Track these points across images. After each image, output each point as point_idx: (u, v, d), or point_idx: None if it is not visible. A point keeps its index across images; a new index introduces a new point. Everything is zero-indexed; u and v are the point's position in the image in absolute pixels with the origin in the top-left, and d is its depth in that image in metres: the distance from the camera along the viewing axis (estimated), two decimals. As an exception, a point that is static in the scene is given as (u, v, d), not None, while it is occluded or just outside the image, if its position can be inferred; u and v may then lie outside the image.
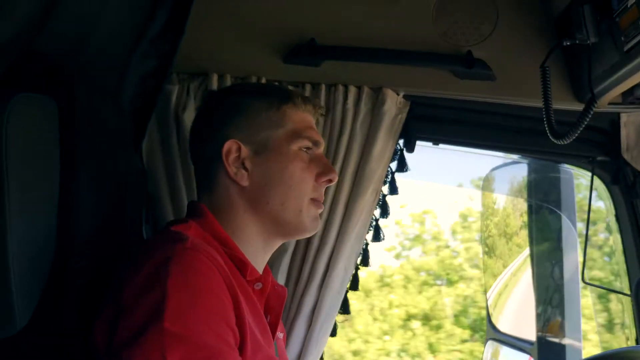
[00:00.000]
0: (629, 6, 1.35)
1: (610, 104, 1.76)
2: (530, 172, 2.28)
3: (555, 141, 1.60)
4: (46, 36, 1.40)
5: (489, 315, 2.40)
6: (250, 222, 1.40)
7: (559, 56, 1.77)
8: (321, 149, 1.47)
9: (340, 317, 1.89)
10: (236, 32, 1.88)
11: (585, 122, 1.52)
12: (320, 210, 1.46)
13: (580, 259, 2.09)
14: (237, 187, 1.39)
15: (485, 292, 2.56)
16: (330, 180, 1.46)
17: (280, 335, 1.51)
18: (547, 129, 1.62)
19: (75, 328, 1.24)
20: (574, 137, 1.55)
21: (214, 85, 1.85)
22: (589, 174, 1.90)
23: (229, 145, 1.39)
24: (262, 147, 1.40)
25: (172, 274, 1.13)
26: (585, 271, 1.88)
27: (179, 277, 1.14)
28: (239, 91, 1.51)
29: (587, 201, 1.92)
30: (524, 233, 2.34)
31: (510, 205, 2.55)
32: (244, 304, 1.24)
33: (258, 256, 1.42)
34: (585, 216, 1.97)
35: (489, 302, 2.44)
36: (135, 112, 1.78)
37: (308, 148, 1.43)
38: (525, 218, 2.32)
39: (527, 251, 2.34)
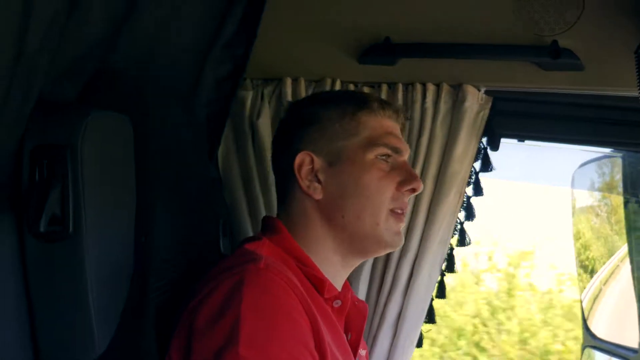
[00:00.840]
0: None
1: None
2: (625, 165, 2.13)
3: (654, 132, 1.48)
4: (120, 52, 1.39)
5: (584, 321, 2.26)
6: (327, 237, 1.33)
7: (653, 40, 1.65)
8: (405, 156, 1.39)
9: (425, 327, 1.82)
10: (308, 35, 1.84)
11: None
12: (402, 225, 1.36)
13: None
14: (311, 201, 1.34)
15: (580, 295, 2.41)
16: (413, 190, 1.36)
17: (362, 352, 1.45)
18: (644, 119, 1.51)
19: (154, 349, 1.22)
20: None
21: (288, 89, 1.81)
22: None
23: (302, 157, 1.34)
24: (336, 157, 1.34)
25: (246, 297, 1.10)
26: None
27: (253, 301, 1.10)
28: (312, 102, 1.46)
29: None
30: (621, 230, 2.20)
31: (604, 202, 2.41)
32: (322, 325, 1.18)
33: (337, 273, 1.35)
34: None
35: (584, 306, 2.30)
36: (210, 119, 1.79)
37: (387, 156, 1.35)
38: (621, 215, 2.18)
39: (624, 248, 2.19)
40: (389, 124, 1.39)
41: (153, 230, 1.26)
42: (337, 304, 1.32)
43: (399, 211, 1.35)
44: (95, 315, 1.14)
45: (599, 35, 1.70)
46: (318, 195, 1.33)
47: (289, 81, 1.82)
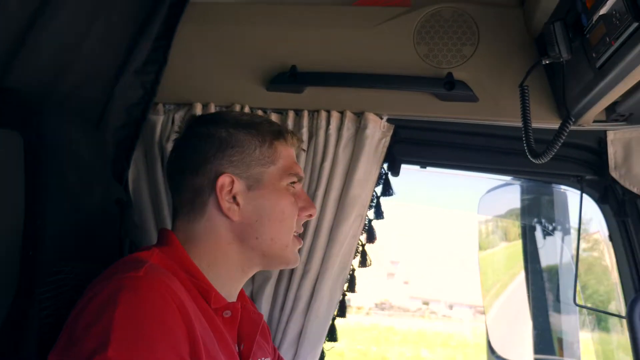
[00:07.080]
0: (594, 22, 1.34)
1: (595, 121, 1.74)
2: (523, 193, 2.25)
3: (533, 160, 1.57)
4: (20, 70, 1.42)
5: (489, 341, 2.34)
6: (234, 254, 1.40)
7: (542, 75, 1.76)
8: (302, 184, 1.52)
9: (327, 345, 1.86)
10: (219, 63, 1.91)
11: (561, 141, 1.49)
12: (300, 246, 1.51)
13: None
14: (226, 221, 1.39)
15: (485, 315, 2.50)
16: (310, 215, 1.51)
17: None
18: (525, 148, 1.60)
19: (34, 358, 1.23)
20: (550, 156, 1.52)
21: (198, 114, 1.85)
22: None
23: (223, 179, 1.39)
24: (255, 182, 1.41)
25: (121, 304, 1.12)
26: (577, 294, 1.84)
27: (128, 308, 1.13)
28: (230, 123, 1.45)
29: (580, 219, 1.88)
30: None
31: (506, 227, 2.52)
32: (201, 333, 1.21)
33: (232, 285, 1.42)
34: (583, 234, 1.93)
35: (489, 328, 2.39)
36: (120, 142, 1.82)
37: (294, 183, 1.46)
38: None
39: (523, 273, 2.30)
40: (294, 152, 1.51)
41: (41, 245, 1.28)
42: (227, 314, 1.36)
43: (297, 233, 1.48)
44: None
45: (492, 70, 1.81)
46: (236, 217, 1.39)
47: (199, 106, 1.87)
